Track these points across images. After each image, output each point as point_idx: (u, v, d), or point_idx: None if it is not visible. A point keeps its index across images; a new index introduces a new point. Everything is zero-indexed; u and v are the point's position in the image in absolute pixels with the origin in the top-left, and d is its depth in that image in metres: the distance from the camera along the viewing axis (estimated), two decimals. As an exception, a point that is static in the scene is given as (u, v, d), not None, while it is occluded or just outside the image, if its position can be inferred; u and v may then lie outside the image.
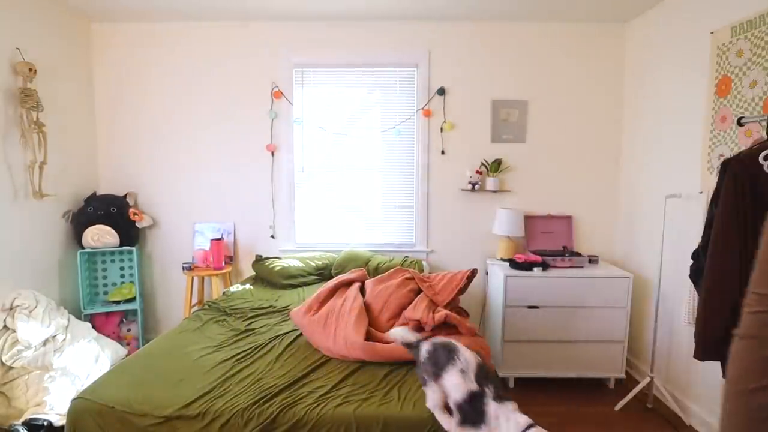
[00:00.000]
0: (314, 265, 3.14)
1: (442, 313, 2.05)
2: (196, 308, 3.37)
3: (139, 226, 3.29)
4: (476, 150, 3.36)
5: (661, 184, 2.85)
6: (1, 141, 2.58)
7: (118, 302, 3.24)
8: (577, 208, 3.40)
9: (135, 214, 3.25)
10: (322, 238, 3.51)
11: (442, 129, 3.34)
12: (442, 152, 3.36)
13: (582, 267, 3.00)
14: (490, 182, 3.29)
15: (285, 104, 3.36)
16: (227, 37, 3.32)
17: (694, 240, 1.95)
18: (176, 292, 3.53)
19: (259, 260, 3.16)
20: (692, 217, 2.51)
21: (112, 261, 3.36)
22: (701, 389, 2.46)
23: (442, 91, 3.30)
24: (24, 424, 2.14)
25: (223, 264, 3.29)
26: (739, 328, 0.84)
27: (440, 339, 1.57)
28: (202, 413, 1.53)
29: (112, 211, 3.16)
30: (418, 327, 2.07)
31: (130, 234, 3.24)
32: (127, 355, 2.89)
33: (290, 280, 3.01)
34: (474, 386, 1.34)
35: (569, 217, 3.36)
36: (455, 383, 1.37)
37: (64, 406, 2.25)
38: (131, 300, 3.27)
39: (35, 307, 2.51)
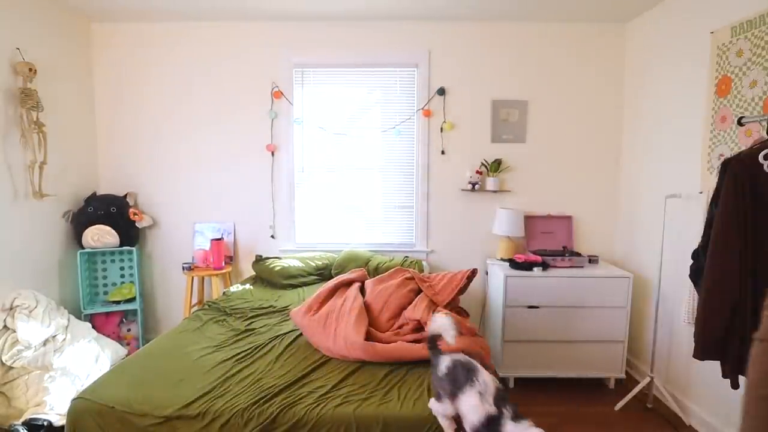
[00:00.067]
0: (314, 265, 3.14)
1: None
2: (196, 308, 3.37)
3: (139, 226, 3.29)
4: (476, 150, 3.36)
5: (661, 184, 2.85)
6: (1, 141, 2.58)
7: (118, 302, 3.24)
8: (577, 208, 3.40)
9: (135, 214, 3.25)
10: (322, 238, 3.51)
11: (442, 129, 3.34)
12: (442, 152, 3.36)
13: (582, 267, 3.00)
14: (490, 182, 3.29)
15: (285, 104, 3.36)
16: (227, 37, 3.32)
17: (694, 240, 1.95)
18: (176, 292, 3.53)
19: (259, 260, 3.16)
20: (692, 217, 2.51)
21: (112, 261, 3.36)
22: (701, 389, 2.46)
23: (442, 91, 3.30)
24: (24, 424, 2.15)
25: (223, 264, 3.29)
26: (759, 331, 0.84)
27: (462, 357, 1.53)
28: (202, 413, 1.53)
29: (112, 211, 3.16)
30: (418, 327, 2.07)
31: (130, 234, 3.24)
32: (127, 355, 2.89)
33: (290, 280, 3.01)
34: (492, 409, 1.33)
35: (569, 217, 3.36)
36: (473, 404, 1.35)
37: (64, 406, 2.25)
38: (131, 300, 3.27)
39: (35, 307, 2.51)
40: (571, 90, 3.31)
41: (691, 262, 1.89)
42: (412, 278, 2.35)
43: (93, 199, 3.20)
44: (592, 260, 3.08)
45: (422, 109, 3.32)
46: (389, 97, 3.37)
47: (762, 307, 0.84)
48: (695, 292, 1.98)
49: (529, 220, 3.32)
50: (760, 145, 1.66)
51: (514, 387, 2.93)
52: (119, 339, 3.27)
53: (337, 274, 3.03)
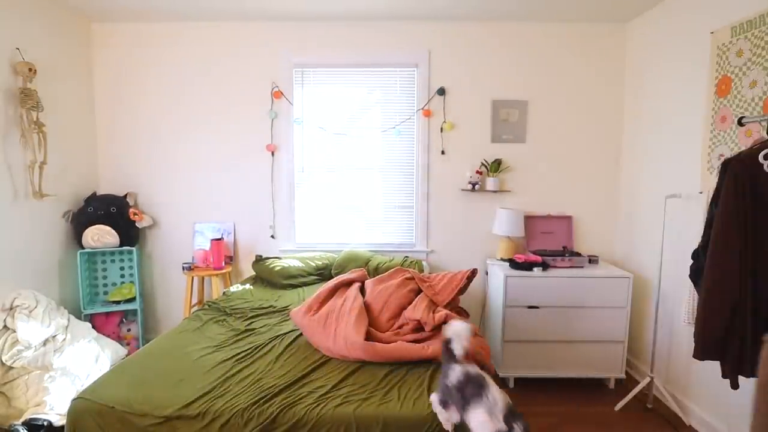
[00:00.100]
0: (314, 265, 3.14)
1: (442, 313, 2.05)
2: (196, 308, 3.37)
3: (139, 226, 3.29)
4: (476, 150, 3.36)
5: (661, 184, 2.85)
6: (1, 141, 2.58)
7: (118, 302, 3.24)
8: (577, 208, 3.40)
9: (135, 214, 3.25)
10: (322, 238, 3.51)
11: (442, 129, 3.34)
12: (442, 152, 3.36)
13: (582, 267, 3.00)
14: (490, 182, 3.29)
15: (285, 104, 3.36)
16: (227, 37, 3.32)
17: (694, 240, 1.95)
18: (176, 292, 3.53)
19: (259, 260, 3.16)
20: (692, 217, 2.51)
21: (112, 261, 3.36)
22: (701, 389, 2.46)
23: (442, 91, 3.30)
24: (24, 424, 2.15)
25: (223, 264, 3.29)
26: None
27: (473, 370, 1.50)
28: (202, 413, 1.53)
29: (112, 211, 3.16)
30: (418, 327, 2.07)
31: (130, 234, 3.24)
32: (127, 355, 2.89)
33: (290, 280, 3.01)
34: (502, 426, 1.32)
35: (569, 217, 3.36)
36: (481, 421, 1.34)
37: (64, 406, 2.26)
38: (131, 300, 3.27)
39: (35, 307, 2.51)
40: (571, 90, 3.31)
41: (691, 262, 1.89)
42: (412, 278, 2.35)
43: (93, 199, 3.20)
44: (592, 260, 3.08)
45: (422, 109, 3.32)
46: (389, 97, 3.37)
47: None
48: (695, 292, 1.98)
49: (529, 220, 3.32)
50: (760, 145, 1.66)
51: (514, 387, 2.93)
52: (119, 339, 3.27)
53: (337, 274, 3.03)
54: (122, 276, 3.38)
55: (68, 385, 2.42)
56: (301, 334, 2.15)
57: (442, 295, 2.25)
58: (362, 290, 2.34)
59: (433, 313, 2.08)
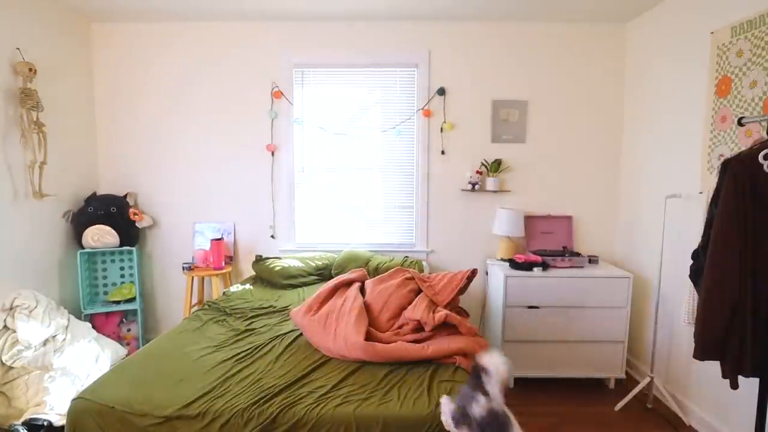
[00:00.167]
0: (314, 265, 3.14)
1: (442, 313, 2.05)
2: (196, 308, 3.37)
3: (139, 226, 3.29)
4: (476, 150, 3.36)
5: (661, 184, 2.85)
6: (1, 141, 2.58)
7: (118, 302, 3.24)
8: (577, 208, 3.40)
9: (135, 214, 3.25)
10: (322, 238, 3.51)
11: (442, 129, 3.34)
12: (442, 152, 3.36)
13: (582, 267, 3.00)
14: (490, 182, 3.29)
15: (285, 104, 3.36)
16: (227, 37, 3.32)
17: (694, 240, 1.95)
18: (176, 292, 3.53)
19: (259, 260, 3.16)
20: (692, 217, 2.51)
21: (112, 261, 3.36)
22: (701, 389, 2.46)
23: (442, 91, 3.30)
24: (24, 424, 2.15)
25: (223, 264, 3.29)
26: None
27: (500, 408, 1.39)
28: (202, 413, 1.53)
29: (112, 211, 3.16)
30: (418, 327, 2.07)
31: (130, 234, 3.24)
32: (127, 355, 2.89)
33: (290, 280, 3.01)
34: None
35: (569, 217, 3.36)
36: None
37: (64, 406, 2.26)
38: (131, 300, 3.27)
39: (35, 307, 2.51)
40: (571, 90, 3.31)
41: (691, 262, 1.89)
42: (412, 278, 2.35)
43: (93, 199, 3.20)
44: (592, 260, 3.08)
45: (422, 109, 3.32)
46: (389, 97, 3.37)
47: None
48: (695, 292, 1.98)
49: (529, 220, 3.32)
50: (760, 146, 1.66)
51: (514, 387, 2.93)
52: (119, 339, 3.27)
53: (337, 274, 3.03)
54: (122, 276, 3.38)
55: (68, 385, 2.42)
56: (301, 334, 2.15)
57: (442, 295, 2.25)
58: (362, 290, 2.34)
59: (433, 313, 2.08)
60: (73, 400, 1.60)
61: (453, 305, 2.31)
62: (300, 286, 3.01)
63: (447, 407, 1.45)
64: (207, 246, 3.37)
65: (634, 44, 3.16)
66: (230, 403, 1.57)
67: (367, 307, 2.18)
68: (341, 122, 3.41)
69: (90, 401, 1.58)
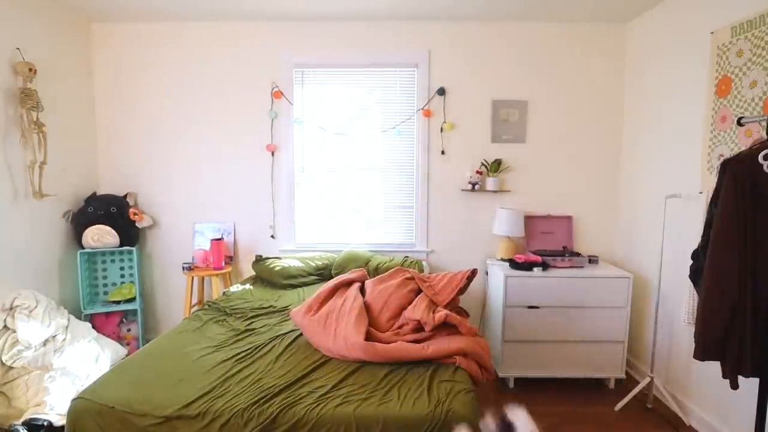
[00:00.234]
0: (314, 265, 3.14)
1: (442, 313, 2.05)
2: (196, 308, 3.37)
3: (139, 226, 3.29)
4: (476, 150, 3.36)
5: (661, 184, 2.85)
6: (1, 141, 2.58)
7: (118, 302, 3.24)
8: (577, 208, 3.40)
9: (135, 214, 3.25)
10: (322, 238, 3.51)
11: (442, 129, 3.34)
12: (442, 152, 3.36)
13: (582, 267, 3.00)
14: (490, 182, 3.29)
15: (285, 104, 3.36)
16: (227, 37, 3.32)
17: (694, 240, 1.95)
18: (176, 292, 3.53)
19: (259, 260, 3.16)
20: (692, 217, 2.51)
21: (112, 261, 3.36)
22: (701, 389, 2.46)
23: (442, 91, 3.30)
24: (24, 424, 2.15)
25: (223, 264, 3.29)
26: None
27: None
28: (202, 413, 1.53)
29: (112, 211, 3.16)
30: (418, 327, 2.07)
31: (130, 234, 3.24)
32: (127, 355, 2.89)
33: (290, 280, 3.01)
34: None
35: (569, 217, 3.36)
36: None
37: (64, 406, 2.26)
38: (131, 300, 3.27)
39: (35, 307, 2.51)
40: (571, 90, 3.31)
41: (691, 262, 1.89)
42: (412, 278, 2.35)
43: (93, 199, 3.20)
44: (592, 260, 3.08)
45: (422, 109, 3.32)
46: (389, 97, 3.37)
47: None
48: (695, 292, 1.98)
49: (529, 220, 3.33)
50: (759, 146, 1.66)
51: (514, 387, 2.93)
52: (119, 339, 3.27)
53: (337, 274, 3.03)
54: (122, 276, 3.38)
55: (68, 385, 2.42)
56: (301, 334, 2.15)
57: (442, 295, 2.25)
58: (362, 290, 2.34)
59: (433, 313, 2.08)
60: (73, 400, 1.60)
61: (453, 305, 2.31)
62: (300, 286, 3.01)
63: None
64: (207, 246, 3.37)
65: (634, 44, 3.16)
66: (230, 403, 1.57)
67: (367, 307, 2.18)
68: (341, 122, 3.41)
69: (90, 401, 1.58)
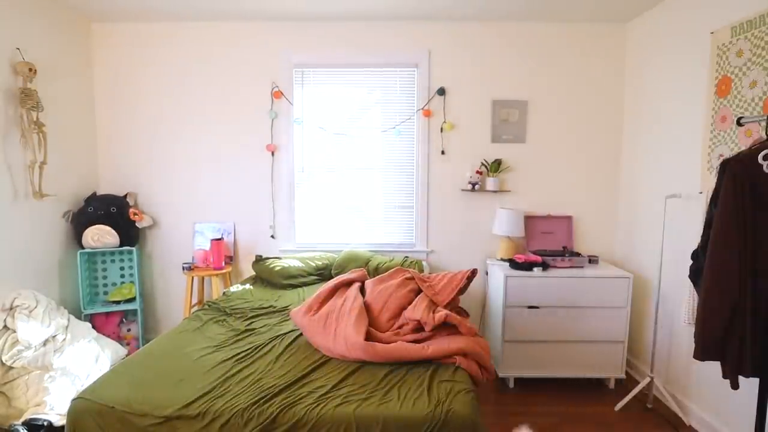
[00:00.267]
0: (314, 265, 3.14)
1: (442, 313, 2.05)
2: (196, 308, 3.37)
3: (139, 226, 3.29)
4: (476, 150, 3.36)
5: (661, 184, 2.85)
6: (1, 141, 2.58)
7: (118, 302, 3.24)
8: (577, 208, 3.40)
9: (135, 214, 3.25)
10: (322, 238, 3.51)
11: (442, 129, 3.34)
12: (442, 152, 3.36)
13: (582, 267, 3.00)
14: (490, 182, 3.29)
15: (285, 104, 3.36)
16: (227, 38, 3.32)
17: (694, 240, 1.96)
18: (176, 292, 3.53)
19: (259, 260, 3.16)
20: (692, 217, 2.51)
21: (112, 261, 3.36)
22: (701, 389, 2.46)
23: (442, 91, 3.30)
24: (24, 424, 2.15)
25: (223, 264, 3.29)
26: None
27: None
28: (202, 413, 1.53)
29: (112, 211, 3.16)
30: (418, 327, 2.07)
31: (130, 234, 3.24)
32: (127, 355, 2.89)
33: (290, 280, 3.01)
34: None
35: (569, 217, 3.36)
36: None
37: (64, 406, 2.26)
38: (131, 300, 3.27)
39: (35, 307, 2.51)
40: (571, 90, 3.31)
41: (691, 262, 1.89)
42: (412, 278, 2.35)
43: (93, 199, 3.20)
44: (592, 260, 3.08)
45: (422, 109, 3.32)
46: (389, 97, 3.37)
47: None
48: (695, 292, 1.98)
49: (529, 220, 3.33)
50: (759, 146, 1.66)
51: (514, 387, 2.93)
52: (119, 339, 3.27)
53: (337, 274, 3.03)
54: (122, 276, 3.38)
55: (68, 385, 2.42)
56: (301, 334, 2.15)
57: (442, 295, 2.25)
58: (362, 290, 2.34)
59: (433, 313, 2.08)
60: (73, 400, 1.60)
61: (453, 305, 2.31)
62: (300, 286, 3.01)
63: None
64: (207, 246, 3.37)
65: (634, 44, 3.16)
66: (230, 403, 1.57)
67: (367, 307, 2.18)
68: (341, 122, 3.41)
69: (90, 401, 1.58)
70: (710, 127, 2.39)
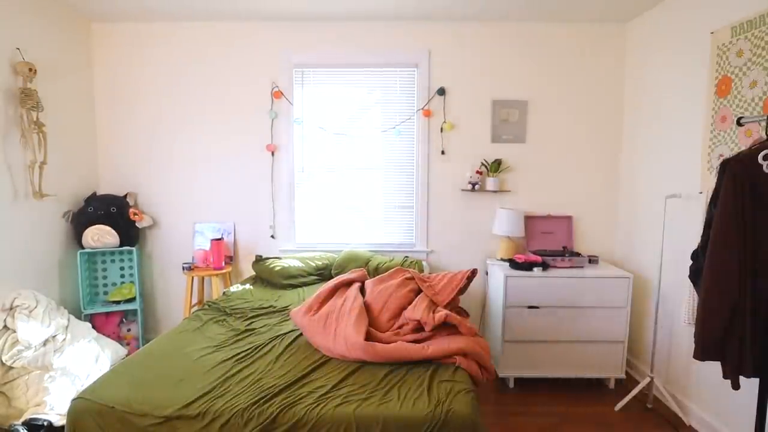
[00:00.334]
0: (314, 265, 3.14)
1: (442, 313, 2.05)
2: (196, 308, 3.37)
3: (139, 226, 3.29)
4: (476, 150, 3.36)
5: (661, 184, 2.85)
6: (1, 141, 2.58)
7: (118, 302, 3.24)
8: (577, 208, 3.40)
9: (135, 214, 3.25)
10: (322, 238, 3.51)
11: (442, 129, 3.34)
12: (442, 152, 3.36)
13: (582, 267, 3.00)
14: (490, 182, 3.29)
15: (285, 104, 3.36)
16: (227, 38, 3.32)
17: (694, 240, 1.96)
18: (176, 292, 3.53)
19: (259, 260, 3.16)
20: (692, 217, 2.51)
21: (112, 261, 3.37)
22: (701, 389, 2.46)
23: (442, 91, 3.30)
24: (24, 424, 2.15)
25: (223, 264, 3.29)
26: None
27: None
28: (202, 413, 1.53)
29: (112, 211, 3.16)
30: (418, 327, 2.07)
31: (130, 234, 3.24)
32: (127, 355, 2.89)
33: (290, 280, 3.01)
34: None
35: (569, 217, 3.36)
36: None
37: (64, 406, 2.26)
38: (131, 300, 3.27)
39: (35, 307, 2.51)
40: (571, 90, 3.31)
41: (691, 262, 1.89)
42: (412, 278, 2.35)
43: (93, 199, 3.20)
44: (592, 260, 3.08)
45: (422, 109, 3.32)
46: (389, 97, 3.37)
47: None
48: (695, 292, 1.98)
49: (529, 220, 3.33)
50: (759, 146, 1.66)
51: (514, 387, 2.93)
52: (119, 339, 3.27)
53: (337, 274, 3.03)
54: (122, 276, 3.38)
55: (68, 385, 2.42)
56: (301, 334, 2.15)
57: (442, 295, 2.25)
58: (362, 290, 2.34)
59: (433, 313, 2.08)
60: (73, 400, 1.60)
61: (453, 305, 2.31)
62: (300, 286, 3.01)
63: None
64: (207, 246, 3.37)
65: (635, 44, 3.16)
66: (230, 403, 1.57)
67: (367, 307, 2.18)
68: (341, 122, 3.41)
69: (90, 401, 1.58)
70: (710, 127, 2.39)
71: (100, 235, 3.08)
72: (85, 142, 3.31)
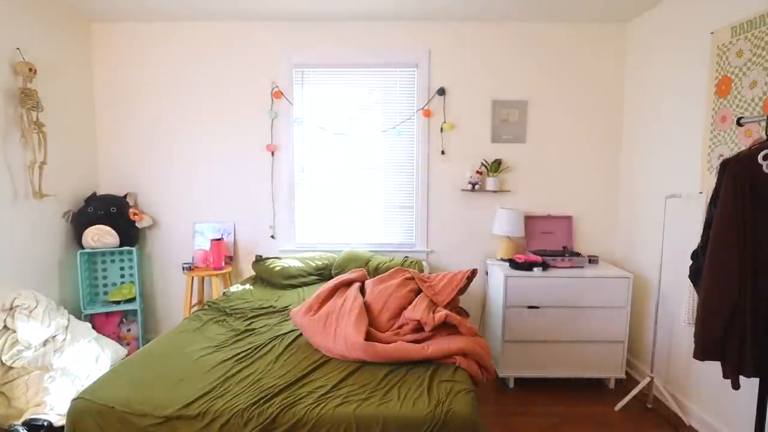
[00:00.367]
0: (314, 265, 3.14)
1: (442, 313, 2.05)
2: (196, 308, 3.37)
3: (139, 226, 3.29)
4: (476, 150, 3.36)
5: (661, 184, 2.85)
6: (1, 141, 2.58)
7: (118, 302, 3.24)
8: (577, 208, 3.40)
9: (135, 214, 3.25)
10: (322, 238, 3.51)
11: (442, 129, 3.34)
12: (442, 152, 3.36)
13: (582, 267, 3.00)
14: (490, 182, 3.29)
15: (285, 104, 3.36)
16: (227, 38, 3.32)
17: (694, 240, 1.96)
18: (176, 292, 3.53)
19: (259, 260, 3.16)
20: (692, 217, 2.51)
21: (112, 261, 3.36)
22: (701, 389, 2.46)
23: (442, 91, 3.30)
24: (24, 424, 2.15)
25: (223, 264, 3.29)
26: None
27: None
28: (202, 413, 1.53)
29: (112, 211, 3.16)
30: (418, 327, 2.07)
31: (130, 234, 3.24)
32: (127, 355, 2.89)
33: (290, 281, 3.01)
34: None
35: (569, 217, 3.36)
36: None
37: (64, 406, 2.26)
38: (131, 300, 3.27)
39: (35, 307, 2.51)
40: (571, 90, 3.31)
41: (691, 262, 1.89)
42: (412, 278, 2.35)
43: (93, 199, 3.20)
44: (592, 260, 3.08)
45: (422, 109, 3.32)
46: (389, 97, 3.37)
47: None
48: (695, 292, 1.98)
49: (529, 220, 3.33)
50: (759, 146, 1.66)
51: (514, 387, 2.93)
52: (119, 339, 3.27)
53: (337, 274, 3.03)
54: (122, 276, 3.38)
55: (68, 385, 2.42)
56: (301, 334, 2.15)
57: (442, 295, 2.25)
58: (362, 290, 2.34)
59: (433, 313, 2.08)
60: (73, 400, 1.60)
61: (453, 305, 2.31)
62: (300, 286, 3.01)
63: None
64: (207, 246, 3.37)
65: (635, 44, 3.16)
66: (230, 403, 1.57)
67: (367, 307, 2.17)
68: (341, 122, 3.41)
69: (90, 401, 1.58)
70: (710, 127, 2.39)
71: (100, 235, 3.08)
72: (85, 142, 3.31)
